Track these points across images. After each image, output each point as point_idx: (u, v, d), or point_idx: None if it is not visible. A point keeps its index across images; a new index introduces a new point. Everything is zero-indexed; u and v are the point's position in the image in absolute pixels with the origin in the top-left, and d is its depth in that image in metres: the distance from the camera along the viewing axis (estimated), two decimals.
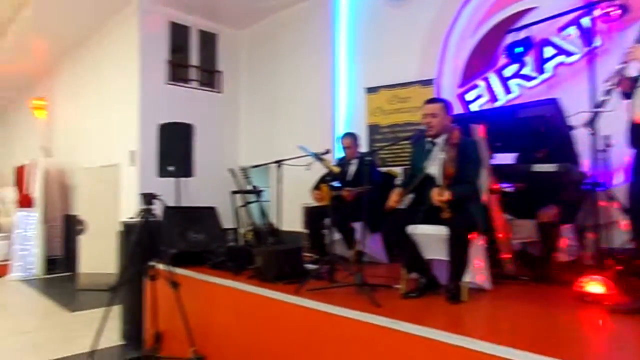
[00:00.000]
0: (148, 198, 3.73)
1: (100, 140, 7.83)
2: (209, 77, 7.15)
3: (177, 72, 6.73)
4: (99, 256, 7.16)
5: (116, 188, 6.98)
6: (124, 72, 7.00)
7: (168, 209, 4.16)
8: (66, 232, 8.69)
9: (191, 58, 6.93)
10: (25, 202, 8.61)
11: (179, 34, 6.78)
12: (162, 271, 3.73)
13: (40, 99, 9.78)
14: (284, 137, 6.90)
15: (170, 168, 5.12)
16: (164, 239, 3.97)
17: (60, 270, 8.48)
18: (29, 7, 6.99)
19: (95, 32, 7.69)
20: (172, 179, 5.09)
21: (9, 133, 13.25)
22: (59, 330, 5.36)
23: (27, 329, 5.48)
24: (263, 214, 4.75)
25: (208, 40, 7.11)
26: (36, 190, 8.49)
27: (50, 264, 8.50)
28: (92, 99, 8.21)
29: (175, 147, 5.14)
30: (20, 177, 9.31)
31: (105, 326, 3.61)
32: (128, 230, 4.65)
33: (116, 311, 3.82)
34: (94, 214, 7.34)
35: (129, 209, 6.63)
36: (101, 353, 3.50)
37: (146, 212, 3.71)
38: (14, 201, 8.95)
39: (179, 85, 6.73)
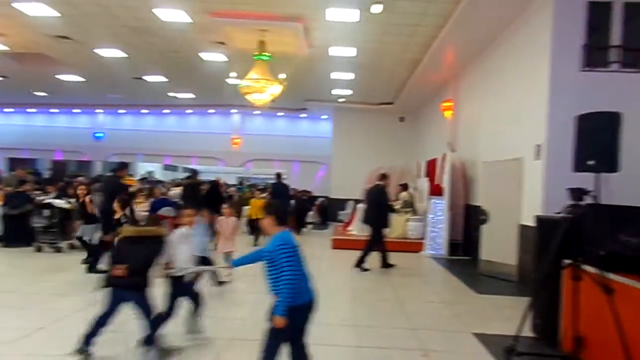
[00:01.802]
0: (577, 194, 3.56)
1: (501, 136, 8.12)
2: (635, 57, 6.09)
3: (595, 55, 6.08)
4: (498, 246, 7.50)
5: (518, 181, 7.06)
6: (531, 66, 6.95)
7: (594, 207, 3.82)
8: (467, 219, 9.55)
9: (612, 38, 6.10)
10: (435, 191, 10.04)
11: (597, 13, 6.10)
12: (590, 273, 3.48)
13: (448, 100, 11.13)
14: None
15: (590, 162, 4.67)
16: (590, 238, 3.68)
17: (461, 254, 9.44)
18: (446, 26, 8.04)
19: (502, 31, 8.00)
20: (586, 174, 4.65)
21: (421, 131, 15.78)
22: (470, 307, 5.96)
23: (447, 300, 6.38)
24: None
25: (635, 14, 6.06)
26: (444, 181, 9.75)
27: (453, 246, 9.58)
28: (494, 96, 8.62)
29: (596, 139, 4.65)
30: (431, 169, 10.90)
31: (526, 317, 3.71)
32: (545, 225, 4.60)
33: (526, 303, 3.85)
34: (494, 205, 7.72)
35: (532, 203, 6.58)
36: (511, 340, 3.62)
37: (574, 208, 3.54)
38: (426, 190, 10.59)
39: (597, 71, 6.07)
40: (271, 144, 19.28)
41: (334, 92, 14.66)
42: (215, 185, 11.02)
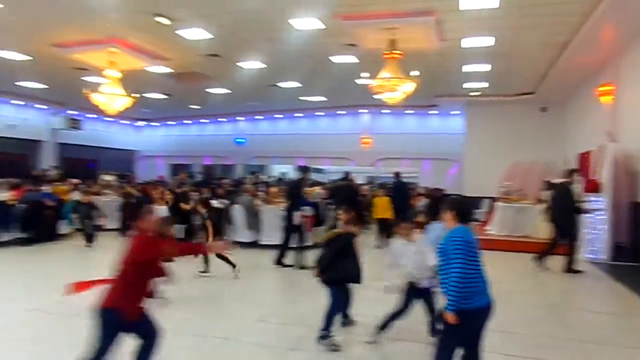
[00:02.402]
0: None
1: None
2: None
3: None
4: None
5: None
6: None
7: None
8: (636, 220, 8.28)
9: None
10: (591, 187, 8.89)
11: None
12: None
13: (607, 84, 9.76)
14: None
15: None
16: None
17: (627, 259, 8.19)
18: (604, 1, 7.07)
19: None
20: None
21: (569, 121, 14.15)
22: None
23: (615, 311, 5.61)
24: None
25: None
26: (603, 175, 8.58)
27: (617, 250, 8.38)
28: None
29: None
30: (584, 162, 9.69)
31: None
32: None
33: None
34: None
35: None
36: None
37: None
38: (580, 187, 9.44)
39: None
40: (401, 143, 19.09)
41: (466, 85, 13.95)
42: (349, 184, 11.19)
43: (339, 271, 4.29)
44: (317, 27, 9.03)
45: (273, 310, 5.53)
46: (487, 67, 11.67)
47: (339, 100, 17.96)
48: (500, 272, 7.20)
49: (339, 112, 20.21)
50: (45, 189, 10.77)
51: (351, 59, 11.29)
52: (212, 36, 9.69)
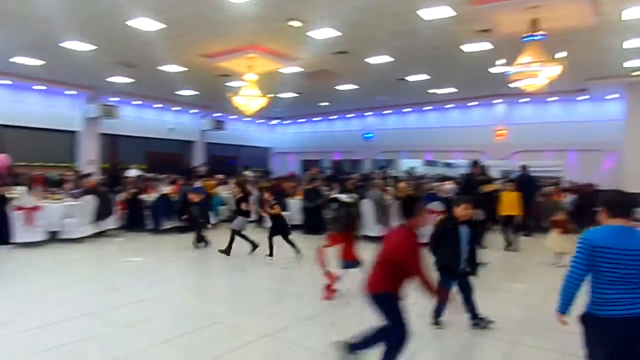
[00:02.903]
0: None
1: None
2: None
3: None
4: None
5: None
6: None
7: None
8: None
9: None
10: None
11: None
12: None
13: None
14: None
15: None
16: None
17: None
18: None
19: None
20: None
21: None
22: None
23: None
24: None
25: None
26: None
27: None
28: None
29: None
30: None
31: None
32: None
33: None
34: None
35: None
36: None
37: None
38: None
39: None
40: (541, 133, 17.28)
41: (628, 64, 12.04)
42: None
43: (439, 258, 4.36)
44: (447, 15, 8.64)
45: None
46: None
47: (470, 91, 16.97)
48: None
49: (470, 103, 19.09)
50: (197, 183, 12.20)
51: (484, 45, 10.57)
52: (340, 34, 9.92)
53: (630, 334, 2.50)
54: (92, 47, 11.26)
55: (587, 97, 16.43)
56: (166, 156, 21.34)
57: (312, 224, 10.71)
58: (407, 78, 14.52)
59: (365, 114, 22.62)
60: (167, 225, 10.57)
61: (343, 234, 5.41)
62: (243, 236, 7.94)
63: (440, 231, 4.46)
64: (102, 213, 9.55)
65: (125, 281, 6.38)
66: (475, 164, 8.90)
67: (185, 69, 13.39)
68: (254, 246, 7.98)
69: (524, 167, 11.24)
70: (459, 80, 14.88)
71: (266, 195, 8.27)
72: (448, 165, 23.86)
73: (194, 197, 8.97)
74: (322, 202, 10.68)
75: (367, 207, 9.87)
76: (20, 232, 8.36)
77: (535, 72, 8.38)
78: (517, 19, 8.32)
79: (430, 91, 16.73)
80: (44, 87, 15.99)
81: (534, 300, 5.59)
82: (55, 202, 9.26)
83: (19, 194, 9.21)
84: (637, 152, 13.49)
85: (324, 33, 9.88)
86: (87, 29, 9.96)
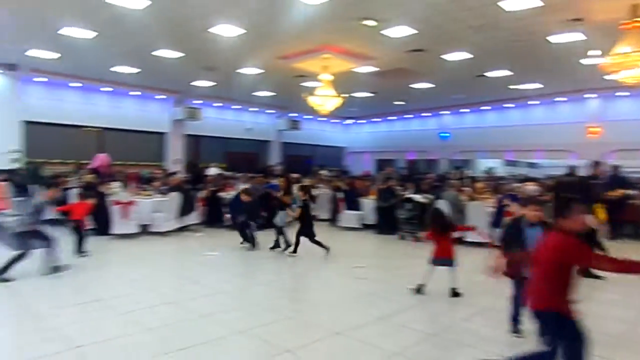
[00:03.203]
0: None
1: None
2: None
3: None
4: None
5: None
6: None
7: None
8: None
9: None
10: None
11: None
12: None
13: None
14: None
15: None
16: None
17: None
18: None
19: None
20: None
21: None
22: None
23: None
24: None
25: None
26: None
27: None
28: None
29: None
30: None
31: None
32: None
33: None
34: None
35: None
36: None
37: None
38: None
39: None
40: None
41: None
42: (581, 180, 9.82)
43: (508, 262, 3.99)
44: (532, 5, 8.11)
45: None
46: None
47: (558, 86, 15.77)
48: None
49: (557, 99, 17.73)
50: (273, 181, 12.59)
51: (576, 36, 9.76)
52: (415, 31, 9.71)
53: None
54: (180, 55, 12.08)
55: None
56: (244, 155, 22.27)
57: (386, 224, 10.61)
58: (486, 74, 13.85)
59: (442, 112, 21.93)
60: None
61: (440, 233, 5.66)
62: (281, 233, 8.36)
63: (509, 232, 4.28)
64: (186, 209, 10.21)
65: (204, 274, 6.77)
66: (596, 164, 8.23)
67: (262, 70, 13.88)
68: (288, 245, 8.28)
69: (615, 167, 10.61)
70: (545, 74, 13.90)
71: (300, 194, 8.35)
72: (531, 165, 22.40)
73: (245, 198, 9.11)
74: (395, 202, 10.53)
75: (442, 208, 9.56)
76: (117, 225, 9.21)
77: (635, 62, 7.59)
78: (613, 5, 7.60)
79: (512, 87, 15.79)
80: (138, 93, 17.45)
81: (630, 314, 5.10)
82: (146, 198, 10.06)
83: (116, 190, 10.13)
84: None
85: (399, 31, 9.73)
86: (175, 38, 10.70)
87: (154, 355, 3.77)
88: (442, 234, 5.72)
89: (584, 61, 11.06)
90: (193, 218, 10.55)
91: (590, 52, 9.56)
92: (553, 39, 10.07)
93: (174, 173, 13.31)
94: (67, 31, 10.17)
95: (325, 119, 22.75)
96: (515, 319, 4.31)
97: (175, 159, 18.64)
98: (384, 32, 9.75)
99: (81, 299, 5.25)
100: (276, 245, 8.44)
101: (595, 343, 4.04)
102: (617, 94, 16.01)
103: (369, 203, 11.48)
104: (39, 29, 10.15)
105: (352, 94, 16.31)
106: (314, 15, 8.90)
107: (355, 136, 26.59)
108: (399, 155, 24.30)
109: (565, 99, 17.60)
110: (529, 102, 18.39)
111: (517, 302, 4.23)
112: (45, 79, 15.17)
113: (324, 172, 18.05)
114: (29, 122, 14.96)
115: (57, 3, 8.57)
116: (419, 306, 5.30)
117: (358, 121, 25.80)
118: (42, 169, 13.47)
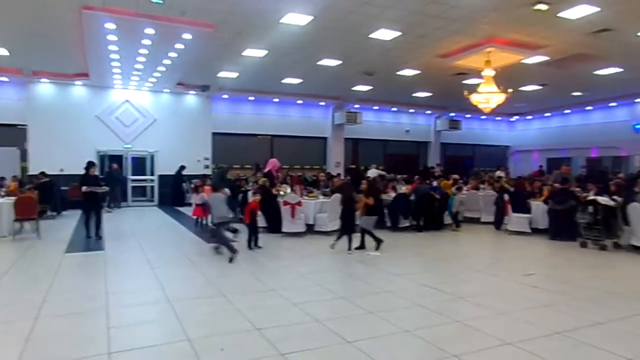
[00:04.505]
0: None
1: None
2: None
3: None
4: None
5: None
6: None
7: None
8: None
9: None
10: None
11: None
12: None
13: None
14: None
15: None
16: None
17: None
18: None
19: None
20: None
21: None
22: None
23: None
24: None
25: None
26: None
27: None
28: None
29: None
30: None
31: None
32: None
33: None
34: None
35: None
36: None
37: None
38: None
39: None
40: None
41: None
42: None
43: None
44: None
45: None
46: None
47: None
48: None
49: None
50: (433, 183, 12.30)
51: None
52: (598, 9, 8.46)
53: None
54: (339, 62, 12.73)
55: None
56: (403, 157, 22.26)
57: (560, 229, 9.47)
58: None
59: (636, 100, 18.55)
60: (404, 223, 11.03)
61: None
62: (370, 234, 8.45)
63: None
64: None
65: (367, 272, 6.98)
66: None
67: (419, 71, 13.70)
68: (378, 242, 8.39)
69: None
70: None
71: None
72: None
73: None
74: (574, 205, 9.31)
75: (636, 213, 8.14)
76: (286, 224, 10.12)
77: None
78: None
79: None
80: (301, 101, 18.93)
81: None
82: (311, 199, 10.82)
83: (285, 191, 11.14)
84: None
85: (579, 11, 8.60)
86: (336, 47, 11.33)
87: (326, 344, 4.05)
88: None
89: None
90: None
91: None
92: None
93: (336, 175, 14.03)
94: (247, 52, 11.64)
95: (487, 116, 21.32)
96: None
97: (336, 162, 19.64)
98: (561, 14, 8.72)
99: (259, 288, 5.94)
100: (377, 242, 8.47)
101: None
102: None
103: (539, 205, 10.39)
104: (227, 53, 11.82)
105: (520, 88, 14.96)
106: (477, 7, 8.47)
107: (521, 133, 24.35)
108: (577, 153, 21.39)
109: None
110: None
111: None
112: (227, 96, 17.60)
113: (500, 174, 16.75)
114: (215, 133, 17.52)
115: (238, 26, 9.84)
116: (604, 325, 4.60)
117: (526, 117, 23.55)
118: (227, 173, 15.61)
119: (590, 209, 8.86)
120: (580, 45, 10.86)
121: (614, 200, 8.79)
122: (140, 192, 16.99)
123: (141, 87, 15.97)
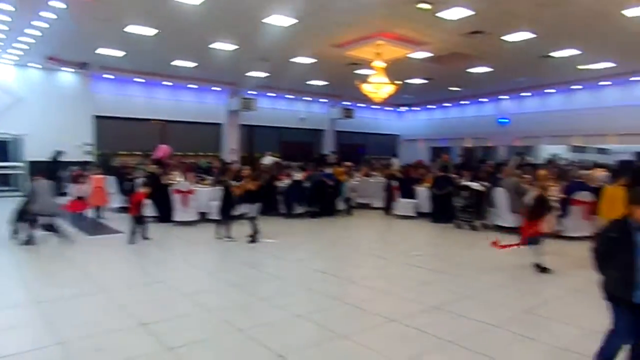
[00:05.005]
0: None
1: None
2: None
3: None
4: None
5: None
6: None
7: None
8: None
9: None
10: None
11: None
12: None
13: None
14: None
15: None
16: None
17: None
18: None
19: None
20: None
21: None
22: None
23: None
24: None
25: None
26: None
27: None
28: None
29: None
30: None
31: None
32: None
33: None
34: None
35: None
36: None
37: None
38: None
39: None
40: None
41: None
42: None
43: (605, 281, 3.04)
44: None
45: None
46: None
47: (633, 65, 14.55)
48: None
49: (633, 78, 16.38)
50: (327, 170, 12.63)
51: None
52: (473, 12, 9.30)
53: None
54: (234, 47, 12.36)
55: None
56: (298, 145, 22.50)
57: (441, 212, 10.37)
58: (552, 54, 13.03)
59: (500, 97, 20.95)
60: (299, 210, 11.18)
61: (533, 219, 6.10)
62: (252, 221, 8.23)
63: (607, 241, 3.04)
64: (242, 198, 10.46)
65: (262, 260, 6.95)
66: None
67: (315, 60, 13.89)
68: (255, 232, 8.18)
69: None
70: (619, 52, 12.86)
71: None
72: (602, 151, 20.93)
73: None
74: (452, 190, 10.24)
75: (500, 196, 9.21)
76: (178, 212, 9.65)
77: None
78: None
79: (581, 67, 14.77)
80: (195, 86, 18.09)
81: None
82: (204, 187, 10.44)
83: (176, 179, 10.59)
84: None
85: (456, 13, 9.36)
86: (230, 30, 10.96)
87: (217, 334, 3.94)
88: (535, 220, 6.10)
89: None
90: (248, 206, 10.79)
91: None
92: (629, 12, 9.28)
93: (231, 163, 13.70)
94: (131, 29, 10.72)
95: (379, 107, 22.46)
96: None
97: (231, 149, 19.19)
98: (440, 14, 9.43)
99: (146, 280, 5.59)
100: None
101: None
102: None
103: (423, 191, 11.26)
104: (108, 28, 10.76)
105: (407, 81, 15.95)
106: (367, 1, 8.77)
107: (409, 124, 26.09)
108: (455, 143, 23.58)
109: None
110: (600, 83, 17.13)
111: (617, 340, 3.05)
112: (112, 77, 16.13)
113: (395, 161, 17.47)
114: (98, 117, 15.99)
115: (122, 1, 9.02)
116: (473, 297, 5.15)
117: (413, 108, 25.27)
118: (112, 160, 14.37)
119: (465, 193, 9.83)
120: (457, 44, 11.87)
121: (483, 185, 9.84)
122: (2, 180, 14.88)
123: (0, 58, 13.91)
